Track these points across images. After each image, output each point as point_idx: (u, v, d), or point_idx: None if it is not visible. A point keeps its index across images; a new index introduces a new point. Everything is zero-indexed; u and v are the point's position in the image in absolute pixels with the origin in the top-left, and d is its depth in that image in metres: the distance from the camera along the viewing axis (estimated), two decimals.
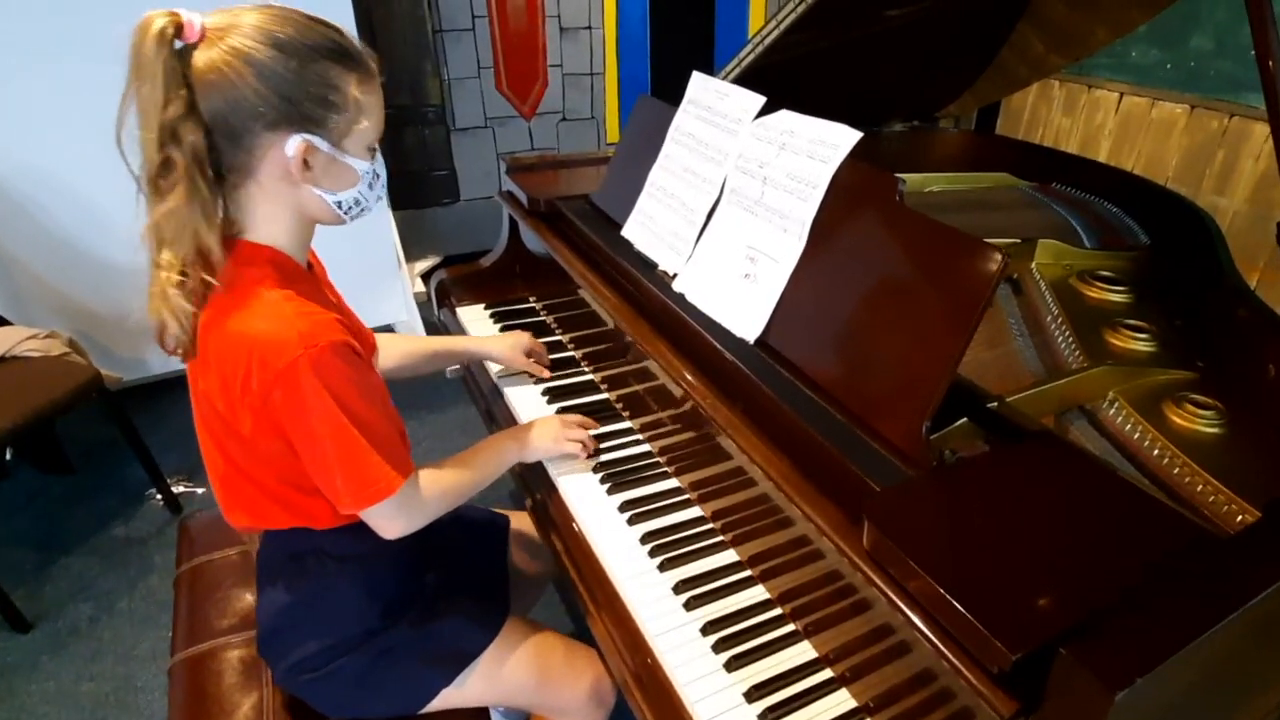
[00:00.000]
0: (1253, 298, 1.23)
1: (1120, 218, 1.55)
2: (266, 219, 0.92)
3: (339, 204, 0.93)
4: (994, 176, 1.75)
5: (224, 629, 1.18)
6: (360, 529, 0.99)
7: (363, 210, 0.97)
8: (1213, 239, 1.38)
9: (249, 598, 1.21)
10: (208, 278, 0.86)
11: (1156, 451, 0.98)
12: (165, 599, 1.87)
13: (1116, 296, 1.30)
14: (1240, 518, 0.87)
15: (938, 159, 1.93)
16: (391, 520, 0.97)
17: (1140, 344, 1.18)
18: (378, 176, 0.96)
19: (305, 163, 0.87)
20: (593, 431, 1.27)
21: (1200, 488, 0.92)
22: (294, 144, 0.85)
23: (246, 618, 1.18)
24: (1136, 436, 1.00)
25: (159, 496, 2.17)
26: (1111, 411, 1.05)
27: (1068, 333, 1.18)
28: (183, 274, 0.86)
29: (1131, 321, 1.21)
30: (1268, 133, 2.35)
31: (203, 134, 0.82)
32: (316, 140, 0.86)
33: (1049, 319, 1.23)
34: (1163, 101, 2.70)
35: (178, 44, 0.80)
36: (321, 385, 0.85)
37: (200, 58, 0.80)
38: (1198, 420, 1.02)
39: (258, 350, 0.85)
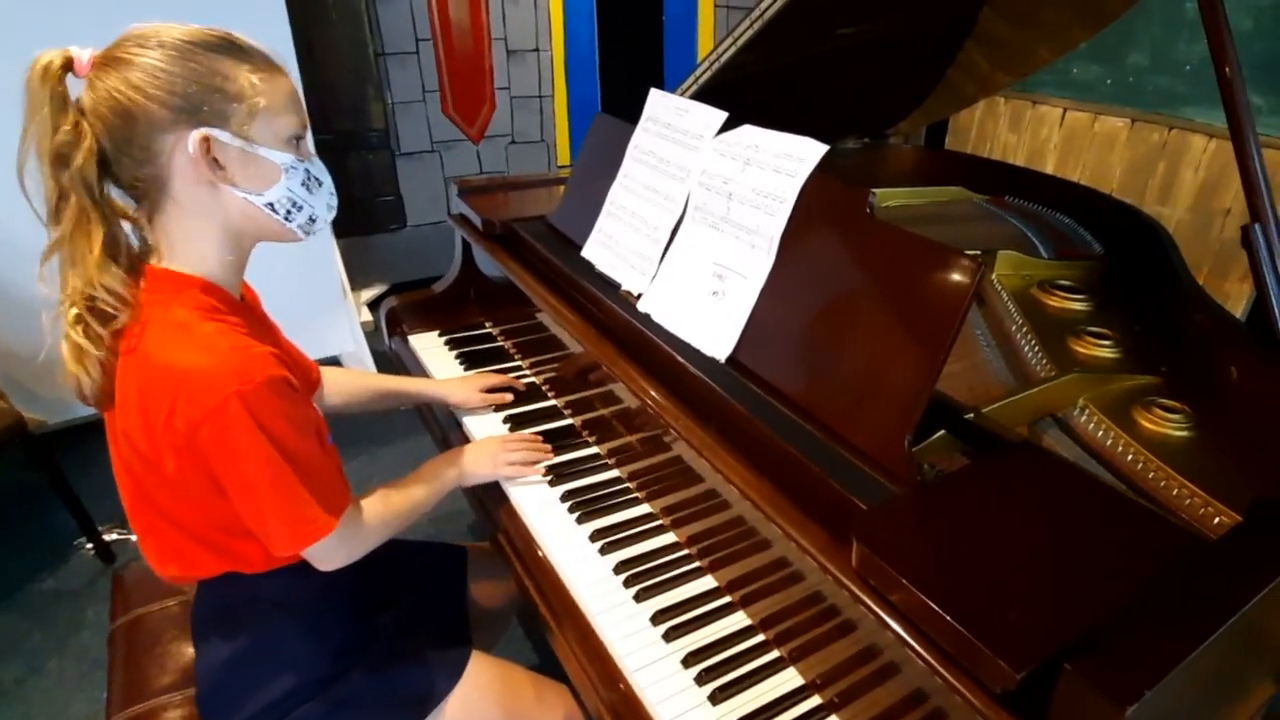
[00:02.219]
0: (1210, 302, 1.25)
1: (1073, 228, 1.57)
2: (193, 242, 0.87)
3: (271, 206, 0.88)
4: (949, 191, 1.77)
5: (164, 687, 1.09)
6: (298, 569, 0.94)
7: (312, 220, 0.92)
8: (1165, 246, 1.40)
9: (191, 651, 1.12)
10: (109, 310, 0.82)
11: (1130, 457, 0.97)
12: (99, 656, 1.75)
13: (1077, 305, 1.31)
14: (1217, 520, 0.87)
15: (892, 174, 1.95)
16: (331, 555, 0.93)
17: (1104, 350, 1.19)
18: (316, 180, 0.91)
19: (216, 161, 0.83)
20: (559, 459, 1.23)
21: (1175, 491, 0.92)
22: (193, 139, 0.81)
23: (188, 674, 1.10)
24: (1109, 443, 1.00)
25: (90, 546, 2.04)
26: (1083, 419, 1.05)
27: (1034, 342, 1.18)
28: (85, 305, 0.82)
29: (1094, 329, 1.21)
30: (1205, 144, 2.48)
31: (94, 159, 0.80)
32: (216, 133, 0.82)
33: (1014, 329, 1.23)
34: (1104, 116, 2.79)
35: (74, 78, 0.80)
36: (255, 424, 0.80)
37: (88, 91, 0.80)
38: (1167, 424, 1.03)
39: (186, 385, 0.79)
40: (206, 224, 0.87)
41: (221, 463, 0.82)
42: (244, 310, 0.94)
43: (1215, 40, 0.87)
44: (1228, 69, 0.85)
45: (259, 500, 0.85)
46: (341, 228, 2.95)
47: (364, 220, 3.17)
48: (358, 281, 2.99)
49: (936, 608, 0.65)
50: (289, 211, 0.90)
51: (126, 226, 0.87)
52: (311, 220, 0.92)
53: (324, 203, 0.93)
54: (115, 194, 0.85)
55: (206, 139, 0.82)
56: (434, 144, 3.23)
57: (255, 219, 0.89)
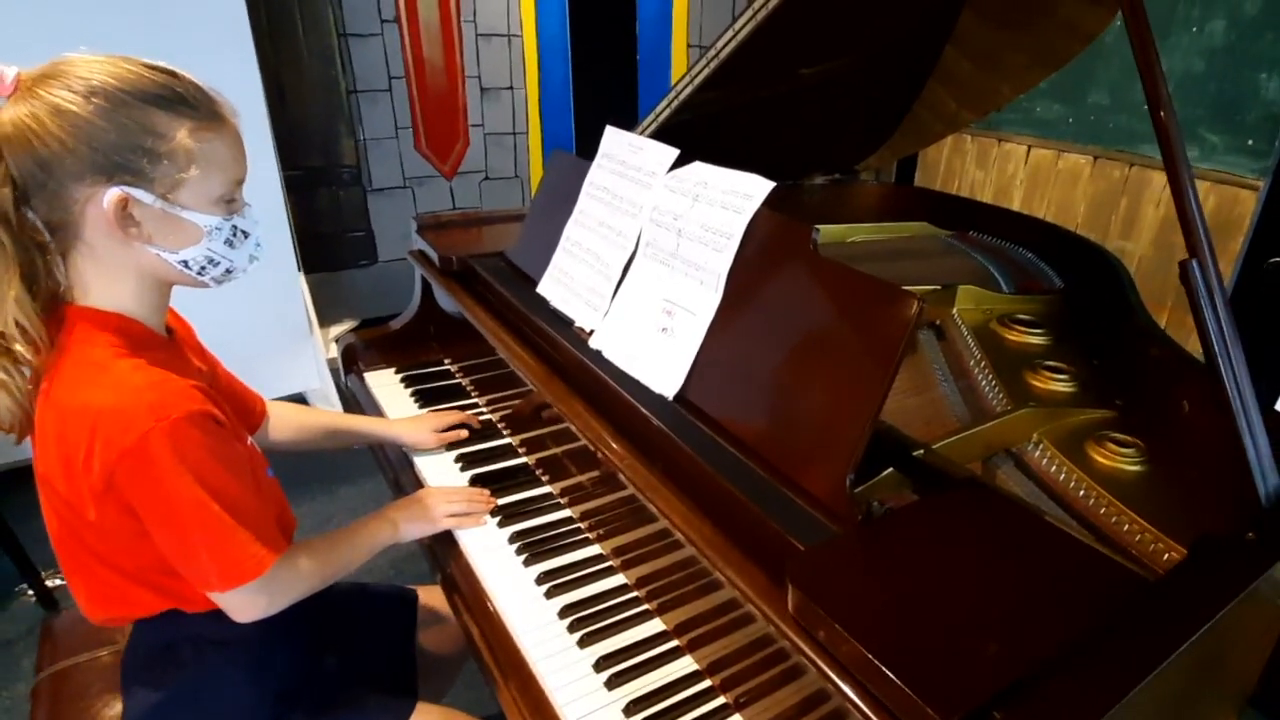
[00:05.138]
0: (1163, 336, 1.26)
1: (1035, 263, 1.58)
2: (106, 284, 0.83)
3: (185, 264, 0.85)
4: (913, 226, 1.78)
5: None
6: None
7: (228, 272, 0.89)
8: (1122, 281, 1.41)
9: (119, 706, 1.07)
10: (22, 350, 0.78)
11: (1082, 492, 0.97)
12: None
13: (1035, 339, 1.31)
14: (1167, 556, 0.87)
15: (859, 210, 1.96)
16: (252, 602, 0.88)
17: (1060, 385, 1.18)
18: (242, 234, 0.87)
19: (132, 217, 0.79)
20: (510, 499, 1.20)
21: (1126, 527, 0.91)
22: (109, 197, 0.77)
23: None
24: (1062, 478, 0.99)
25: (31, 592, 1.96)
26: (1037, 454, 1.04)
27: (990, 376, 1.17)
28: (3, 345, 0.78)
29: (1051, 363, 1.21)
30: (1165, 180, 2.51)
31: (9, 188, 0.75)
32: (137, 192, 0.78)
33: (972, 363, 1.22)
34: (1067, 153, 2.84)
35: None
36: (177, 460, 0.77)
37: (7, 112, 0.75)
38: (1119, 458, 1.02)
39: (102, 425, 0.76)
40: (120, 271, 0.83)
41: (142, 502, 0.79)
42: (167, 345, 0.91)
43: (1149, 85, 0.88)
44: (1162, 113, 0.86)
45: (185, 538, 0.81)
46: (311, 263, 2.93)
47: (334, 256, 3.15)
48: (327, 317, 2.96)
49: (866, 652, 0.63)
50: (203, 268, 0.86)
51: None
52: (228, 272, 0.89)
53: (246, 254, 0.89)
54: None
55: (124, 199, 0.78)
56: (406, 180, 3.23)
57: (167, 272, 0.85)
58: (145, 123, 0.77)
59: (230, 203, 0.86)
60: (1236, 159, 2.34)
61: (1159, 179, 2.53)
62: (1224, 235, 2.40)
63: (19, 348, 0.78)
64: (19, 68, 0.77)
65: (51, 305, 0.83)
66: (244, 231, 0.88)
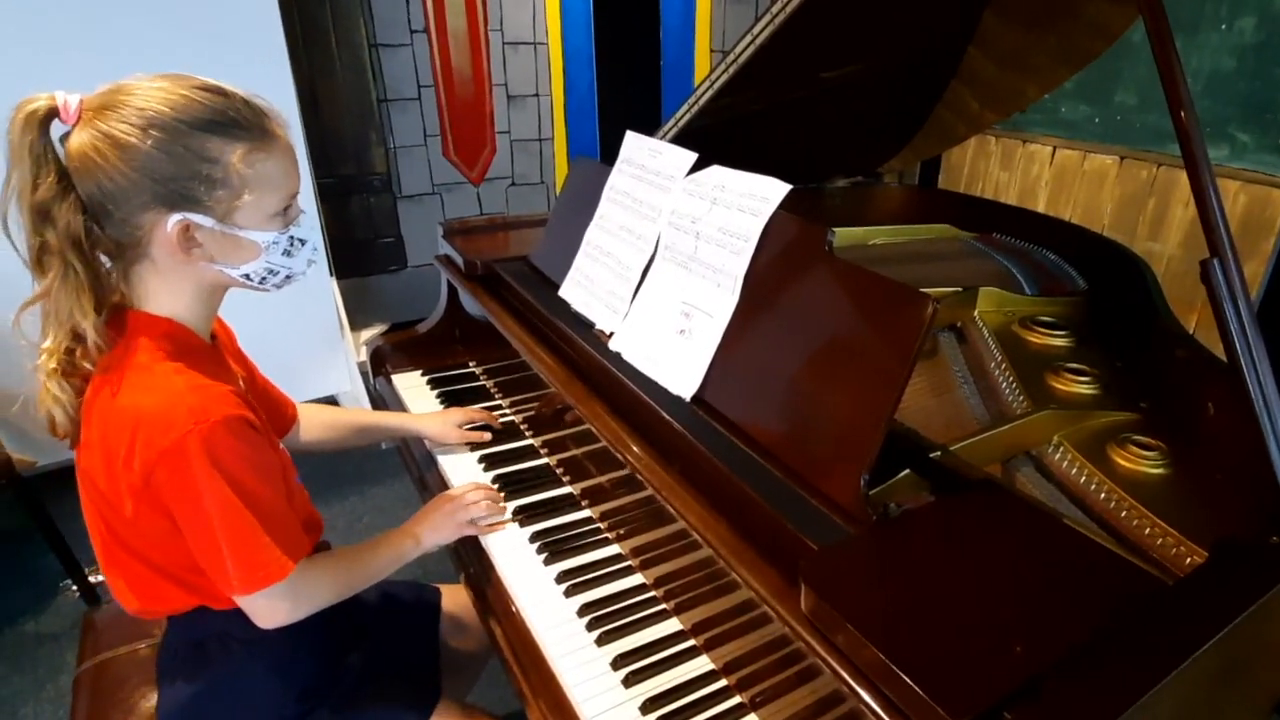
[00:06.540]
0: (1188, 338, 1.24)
1: (1059, 264, 1.57)
2: (165, 293, 0.88)
3: (247, 276, 0.89)
4: (936, 228, 1.77)
5: None
6: None
7: (288, 278, 0.93)
8: (1147, 282, 1.39)
9: (155, 697, 1.10)
10: (85, 363, 0.83)
11: (1103, 495, 0.96)
12: None
13: (1058, 341, 1.30)
14: (1189, 559, 0.85)
15: (882, 213, 1.96)
16: (275, 607, 0.90)
17: (1083, 387, 1.17)
18: (299, 242, 0.91)
19: (194, 240, 0.83)
20: (532, 498, 1.22)
21: (1148, 530, 0.90)
22: (172, 223, 0.81)
23: (152, 719, 1.08)
24: (1083, 480, 0.98)
25: (75, 588, 2.02)
26: (1057, 456, 1.03)
27: (1011, 378, 1.17)
28: (64, 357, 0.82)
29: (1073, 365, 1.20)
30: None
31: (80, 215, 0.80)
32: (197, 218, 0.82)
33: (993, 365, 1.21)
34: (1094, 154, 2.80)
35: (62, 126, 0.79)
36: (211, 463, 0.80)
37: (73, 141, 0.79)
38: (1142, 461, 1.01)
39: (143, 426, 0.79)
40: (181, 283, 0.88)
41: (177, 503, 0.82)
42: (210, 351, 0.94)
43: (1170, 85, 0.88)
44: (1183, 113, 0.86)
45: (213, 540, 0.84)
46: (342, 269, 2.99)
47: (365, 262, 3.21)
48: (357, 321, 3.01)
49: (877, 651, 0.64)
50: (264, 278, 0.91)
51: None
52: (288, 278, 0.93)
53: (304, 260, 0.93)
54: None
55: (186, 224, 0.82)
56: (435, 187, 3.28)
57: (229, 282, 0.90)
58: (199, 150, 0.80)
59: (286, 213, 0.89)
60: (1268, 158, 2.29)
61: (1187, 178, 2.49)
62: (1256, 235, 2.35)
63: (87, 365, 0.83)
64: (81, 94, 0.80)
65: (112, 313, 0.86)
66: (300, 240, 0.91)
